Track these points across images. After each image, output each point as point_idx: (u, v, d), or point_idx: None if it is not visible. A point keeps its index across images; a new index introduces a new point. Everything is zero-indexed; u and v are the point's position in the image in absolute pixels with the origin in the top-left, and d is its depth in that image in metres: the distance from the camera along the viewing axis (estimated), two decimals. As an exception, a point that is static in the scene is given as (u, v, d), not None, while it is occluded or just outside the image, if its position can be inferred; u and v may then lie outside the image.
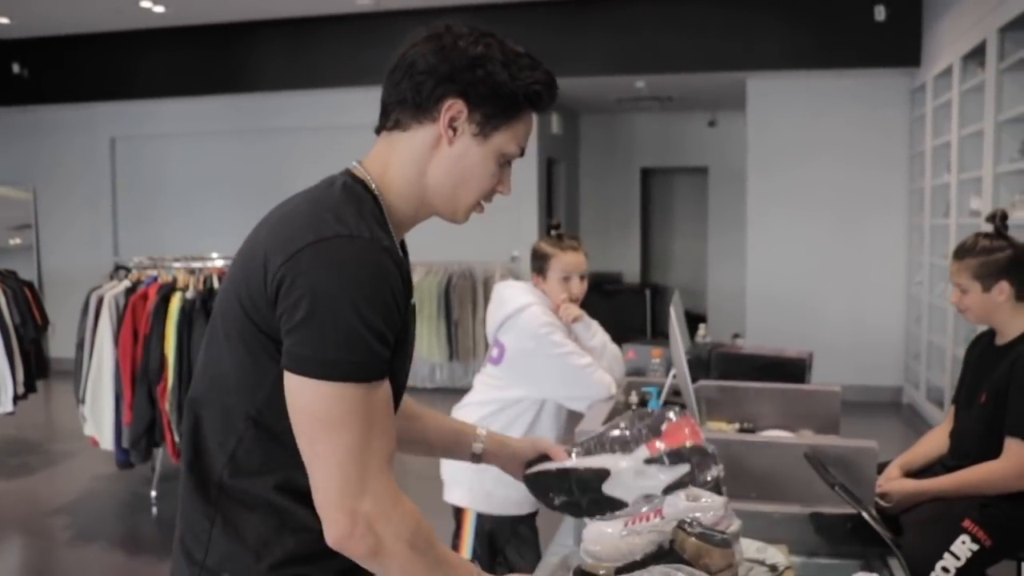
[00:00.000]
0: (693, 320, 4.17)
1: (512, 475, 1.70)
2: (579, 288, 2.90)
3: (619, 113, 10.26)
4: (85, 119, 8.96)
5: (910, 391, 7.27)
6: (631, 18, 7.61)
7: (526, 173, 8.17)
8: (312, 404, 1.18)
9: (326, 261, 1.17)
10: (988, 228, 2.70)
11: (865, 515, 1.71)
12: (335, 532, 1.19)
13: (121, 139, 9.08)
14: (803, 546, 1.82)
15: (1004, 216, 2.68)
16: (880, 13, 7.04)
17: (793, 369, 3.04)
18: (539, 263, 2.92)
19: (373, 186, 1.30)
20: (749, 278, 7.85)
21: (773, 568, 1.66)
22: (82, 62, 8.64)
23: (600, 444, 1.63)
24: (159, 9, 7.65)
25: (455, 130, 1.29)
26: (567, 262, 2.87)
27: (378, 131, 1.35)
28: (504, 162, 1.34)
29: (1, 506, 5.10)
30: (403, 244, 1.40)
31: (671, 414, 1.65)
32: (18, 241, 9.25)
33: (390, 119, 1.32)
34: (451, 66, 1.27)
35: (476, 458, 1.67)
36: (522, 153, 1.36)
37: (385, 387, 1.22)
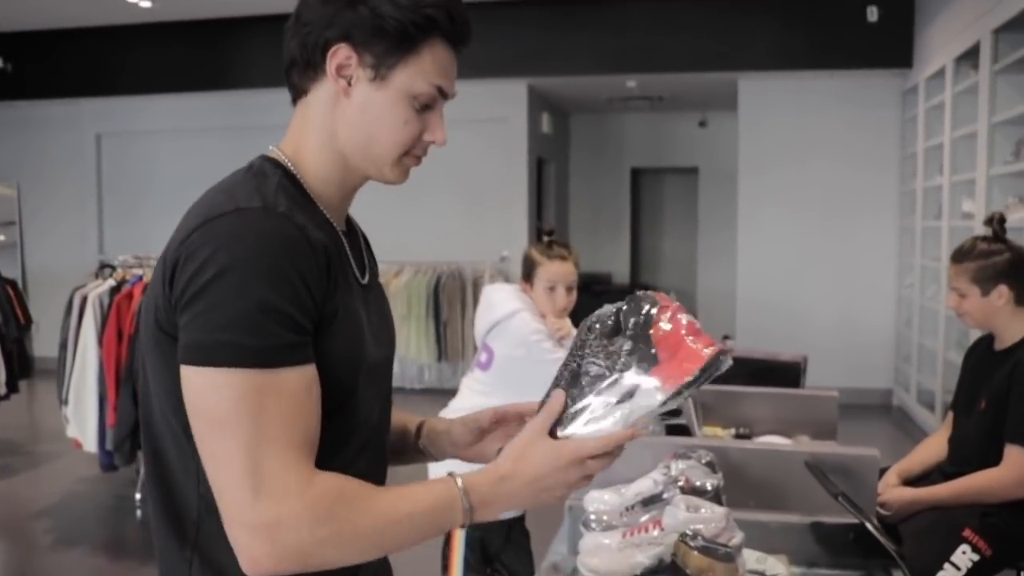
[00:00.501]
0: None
1: (468, 460, 1.40)
2: (565, 300, 2.81)
3: (609, 113, 10.23)
4: (70, 115, 8.86)
5: (900, 394, 7.26)
6: (622, 17, 7.57)
7: (516, 173, 8.13)
8: (201, 397, 1.04)
9: (215, 239, 1.06)
10: (985, 231, 2.67)
11: (868, 525, 1.68)
12: (245, 558, 1.03)
13: (107, 136, 8.99)
14: (804, 556, 1.78)
15: (1002, 219, 2.66)
16: (872, 14, 7.04)
17: (788, 373, 3.01)
18: (527, 269, 2.86)
19: (287, 163, 1.20)
20: (739, 279, 7.82)
21: (774, 580, 1.62)
22: (67, 57, 8.54)
23: (581, 392, 1.19)
24: (146, 4, 7.57)
25: (349, 80, 1.17)
26: (553, 272, 2.80)
27: (294, 104, 1.26)
28: (420, 106, 1.19)
29: (-18, 508, 5.03)
30: (352, 222, 1.30)
31: (652, 318, 1.16)
32: (1, 238, 9.16)
33: (292, 87, 1.23)
34: (331, 9, 1.16)
35: (428, 455, 1.45)
36: (444, 94, 1.19)
37: (299, 375, 1.05)
